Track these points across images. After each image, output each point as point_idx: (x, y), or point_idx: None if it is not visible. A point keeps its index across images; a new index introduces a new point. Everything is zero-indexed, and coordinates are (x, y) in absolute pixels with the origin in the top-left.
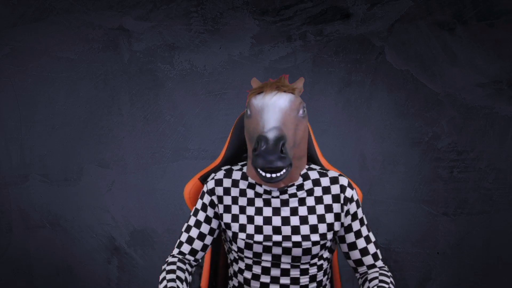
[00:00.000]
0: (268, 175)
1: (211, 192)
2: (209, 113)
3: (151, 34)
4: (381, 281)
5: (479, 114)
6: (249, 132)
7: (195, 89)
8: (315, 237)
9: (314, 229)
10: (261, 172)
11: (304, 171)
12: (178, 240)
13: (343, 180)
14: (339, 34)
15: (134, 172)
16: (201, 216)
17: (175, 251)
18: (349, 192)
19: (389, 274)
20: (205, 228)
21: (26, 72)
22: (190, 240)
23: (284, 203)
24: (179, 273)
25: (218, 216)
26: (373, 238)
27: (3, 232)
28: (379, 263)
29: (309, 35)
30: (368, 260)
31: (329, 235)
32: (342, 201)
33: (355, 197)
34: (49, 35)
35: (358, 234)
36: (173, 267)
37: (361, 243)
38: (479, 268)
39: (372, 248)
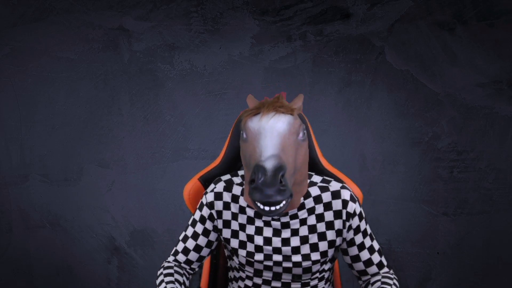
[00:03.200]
0: (267, 208)
1: (210, 206)
2: (209, 113)
3: (151, 34)
4: (383, 282)
5: (479, 114)
6: (246, 157)
7: (195, 89)
8: (315, 256)
9: (314, 247)
10: (259, 204)
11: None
12: (174, 248)
13: (345, 194)
14: (339, 34)
15: (134, 172)
16: (199, 228)
17: (171, 258)
18: (351, 207)
19: (392, 276)
20: (202, 241)
21: (26, 72)
22: (186, 251)
23: (285, 225)
24: (177, 276)
25: (217, 230)
26: (376, 247)
27: (3, 232)
28: (384, 270)
29: (309, 35)
30: (373, 269)
31: (330, 252)
32: (344, 217)
33: (358, 211)
34: (49, 35)
35: (361, 247)
36: (171, 270)
37: (364, 255)
38: (479, 268)
39: (376, 258)
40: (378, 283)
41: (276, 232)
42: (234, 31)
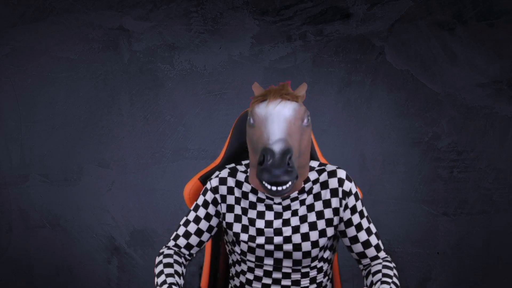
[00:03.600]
0: (274, 188)
1: (215, 190)
2: (209, 113)
3: (151, 34)
4: (384, 275)
5: (479, 114)
6: (253, 142)
7: (195, 89)
8: (314, 236)
9: (312, 226)
10: (266, 185)
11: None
12: (175, 233)
13: (341, 173)
14: (339, 34)
15: (134, 172)
16: (202, 212)
17: (171, 243)
18: (347, 185)
19: (392, 265)
20: (203, 225)
21: (26, 72)
22: (187, 235)
23: (286, 208)
24: (176, 267)
25: (219, 215)
26: (374, 230)
27: (3, 232)
28: (382, 253)
29: (309, 35)
30: (371, 252)
31: (329, 231)
32: (340, 195)
33: (354, 190)
34: (49, 35)
35: (359, 227)
36: (170, 260)
37: (362, 236)
38: (479, 268)
39: (374, 240)
40: (379, 275)
41: (278, 215)
42: (234, 31)
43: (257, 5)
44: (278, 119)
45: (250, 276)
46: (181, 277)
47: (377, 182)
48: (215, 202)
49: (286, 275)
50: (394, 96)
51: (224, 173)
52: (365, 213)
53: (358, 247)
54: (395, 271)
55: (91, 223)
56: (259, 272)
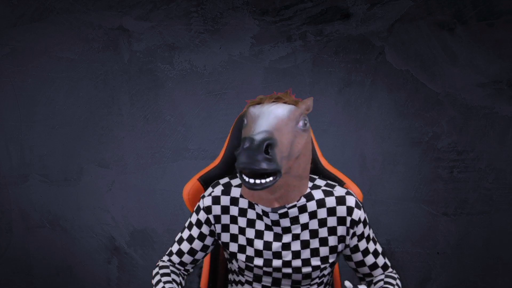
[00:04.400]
0: (252, 180)
1: (207, 210)
2: (209, 113)
3: (151, 34)
4: (386, 282)
5: (479, 114)
6: None
7: (195, 89)
8: (315, 262)
9: (315, 252)
10: (244, 177)
11: (308, 190)
12: (169, 249)
13: (350, 201)
14: (339, 34)
15: (134, 172)
16: (195, 232)
17: (165, 258)
18: (356, 214)
19: (396, 276)
20: (197, 245)
21: (26, 72)
22: (180, 253)
23: (286, 230)
24: (174, 276)
25: (214, 234)
26: (380, 249)
27: (3, 232)
28: (389, 270)
29: (309, 35)
30: (378, 272)
31: (331, 258)
32: (348, 224)
33: (362, 217)
34: (49, 35)
35: (365, 252)
36: (167, 270)
37: (369, 259)
38: (479, 268)
39: (381, 261)
40: (381, 283)
41: (277, 237)
42: (234, 31)
43: (257, 5)
44: (269, 116)
45: (248, 287)
46: (179, 286)
47: (377, 182)
48: (208, 223)
49: None
50: (394, 96)
51: (217, 191)
52: (371, 235)
53: (364, 270)
54: (398, 281)
55: (91, 223)
56: (257, 286)
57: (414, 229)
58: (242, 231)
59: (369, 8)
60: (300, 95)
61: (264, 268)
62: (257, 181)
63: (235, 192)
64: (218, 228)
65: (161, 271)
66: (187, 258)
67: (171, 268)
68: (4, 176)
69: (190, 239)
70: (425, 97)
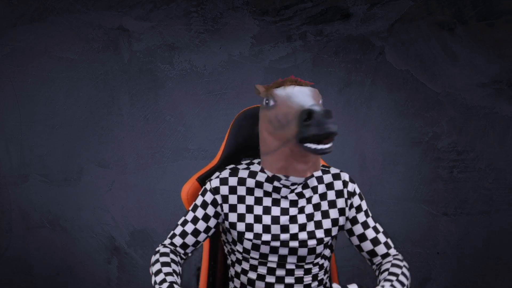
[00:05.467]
0: (319, 147)
1: (215, 191)
2: (209, 113)
3: (151, 34)
4: (390, 273)
5: (479, 114)
6: (277, 120)
7: (195, 89)
8: (319, 234)
9: (318, 225)
10: (310, 145)
11: None
12: (172, 232)
13: (345, 176)
14: (339, 34)
15: (134, 172)
16: (200, 213)
17: (167, 241)
18: (351, 186)
19: (402, 264)
20: (201, 225)
21: (26, 72)
22: (183, 234)
23: (293, 203)
24: (174, 266)
25: (217, 216)
26: (381, 229)
27: (3, 232)
28: (392, 251)
29: (309, 35)
30: (381, 249)
31: (334, 231)
32: (345, 196)
33: (358, 191)
34: (49, 35)
35: (365, 225)
36: (167, 259)
37: (370, 233)
38: (479, 268)
39: (382, 238)
40: (386, 274)
41: (284, 211)
42: (234, 31)
43: (257, 5)
44: (303, 93)
45: (252, 275)
46: (179, 277)
47: (377, 182)
48: (214, 203)
49: (290, 272)
50: (394, 96)
51: (225, 173)
52: (370, 214)
53: (367, 245)
54: (404, 269)
55: (91, 223)
56: (262, 270)
57: (414, 229)
58: (249, 209)
59: (369, 8)
60: None
61: (272, 243)
62: (326, 146)
63: (243, 173)
64: (225, 208)
65: (162, 259)
66: (190, 239)
67: (171, 256)
68: (4, 176)
69: (195, 220)
70: (425, 97)
